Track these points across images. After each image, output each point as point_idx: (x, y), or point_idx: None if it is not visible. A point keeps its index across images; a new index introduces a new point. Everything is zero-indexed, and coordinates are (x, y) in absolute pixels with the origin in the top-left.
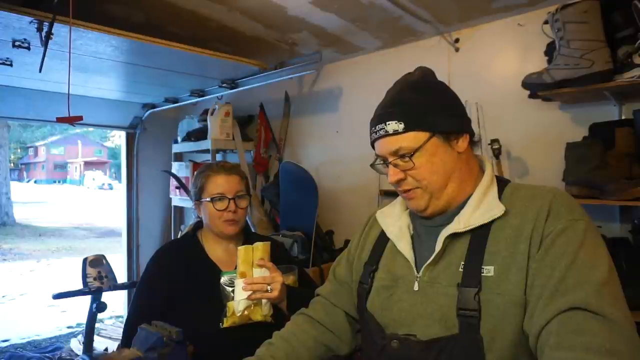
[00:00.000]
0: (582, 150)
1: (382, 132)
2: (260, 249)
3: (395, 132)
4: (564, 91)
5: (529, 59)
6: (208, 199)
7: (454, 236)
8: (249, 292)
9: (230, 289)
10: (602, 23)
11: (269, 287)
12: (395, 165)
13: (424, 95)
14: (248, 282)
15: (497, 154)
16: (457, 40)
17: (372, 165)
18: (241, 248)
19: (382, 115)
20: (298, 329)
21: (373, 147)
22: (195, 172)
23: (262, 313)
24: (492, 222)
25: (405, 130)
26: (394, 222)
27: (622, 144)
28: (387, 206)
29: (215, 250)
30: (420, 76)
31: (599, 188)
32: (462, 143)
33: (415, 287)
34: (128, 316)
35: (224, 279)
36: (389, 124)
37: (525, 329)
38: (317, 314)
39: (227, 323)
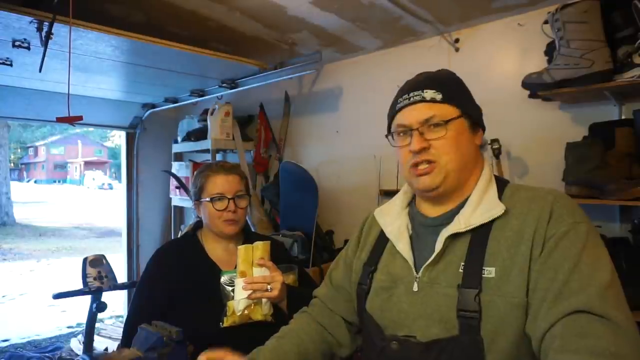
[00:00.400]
0: (582, 150)
1: (417, 98)
2: (260, 248)
3: (433, 100)
4: (564, 91)
5: (529, 59)
6: (208, 199)
7: (454, 236)
8: (249, 292)
9: (230, 288)
10: (602, 23)
11: (269, 287)
12: (421, 134)
13: (453, 83)
14: (248, 281)
15: (497, 154)
16: (457, 40)
17: (387, 136)
18: (241, 247)
19: (419, 83)
20: (304, 324)
21: (391, 119)
22: (195, 172)
23: (262, 312)
24: (492, 222)
25: (443, 100)
26: (393, 221)
27: (622, 144)
28: (386, 204)
29: (215, 249)
30: (445, 71)
31: (599, 188)
32: (479, 137)
33: (415, 288)
34: (128, 316)
35: (224, 279)
36: (426, 92)
37: (528, 332)
38: (317, 315)
39: (227, 322)
